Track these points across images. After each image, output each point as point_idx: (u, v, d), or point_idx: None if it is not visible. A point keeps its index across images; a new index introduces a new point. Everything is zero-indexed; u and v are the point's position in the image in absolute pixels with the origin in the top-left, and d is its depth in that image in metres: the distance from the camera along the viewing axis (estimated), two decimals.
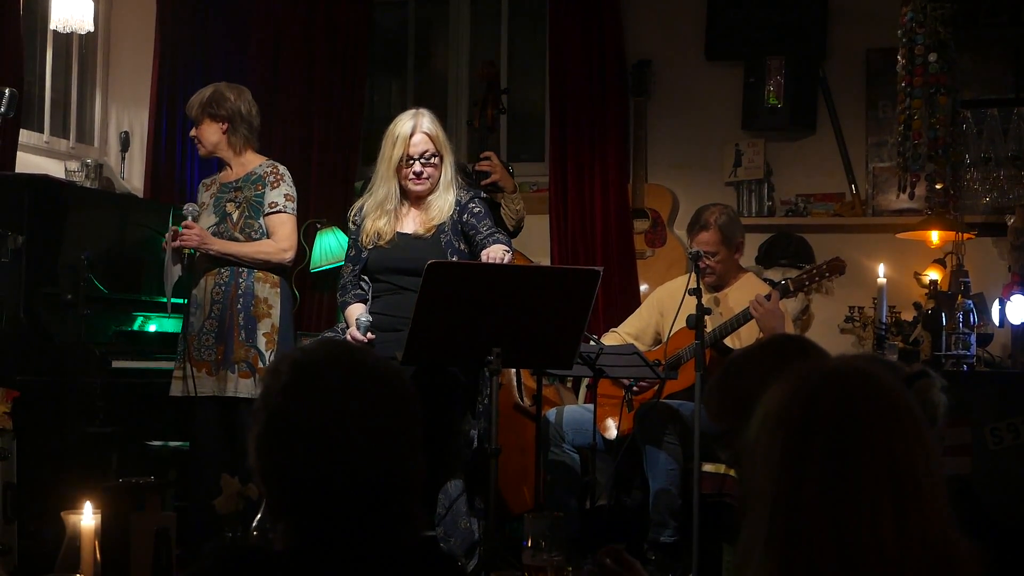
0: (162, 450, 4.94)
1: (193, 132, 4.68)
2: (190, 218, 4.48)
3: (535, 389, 4.58)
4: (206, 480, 4.11)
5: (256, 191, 4.58)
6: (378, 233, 4.22)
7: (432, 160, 4.19)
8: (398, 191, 4.24)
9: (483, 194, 4.45)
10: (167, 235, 4.50)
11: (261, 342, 4.50)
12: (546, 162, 6.29)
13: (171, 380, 4.58)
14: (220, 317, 4.51)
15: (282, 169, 4.66)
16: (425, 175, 4.19)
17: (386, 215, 4.22)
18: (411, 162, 4.17)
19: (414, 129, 4.17)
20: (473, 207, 4.25)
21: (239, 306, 4.51)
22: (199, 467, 4.50)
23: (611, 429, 4.94)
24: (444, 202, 4.22)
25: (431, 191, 4.23)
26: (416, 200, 4.26)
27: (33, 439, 4.57)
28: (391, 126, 4.24)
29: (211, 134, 4.63)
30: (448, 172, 4.24)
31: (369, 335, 4.07)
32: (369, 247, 4.25)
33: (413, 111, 4.26)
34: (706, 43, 6.09)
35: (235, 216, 4.57)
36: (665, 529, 4.69)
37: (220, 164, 4.76)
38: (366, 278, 4.30)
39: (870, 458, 1.33)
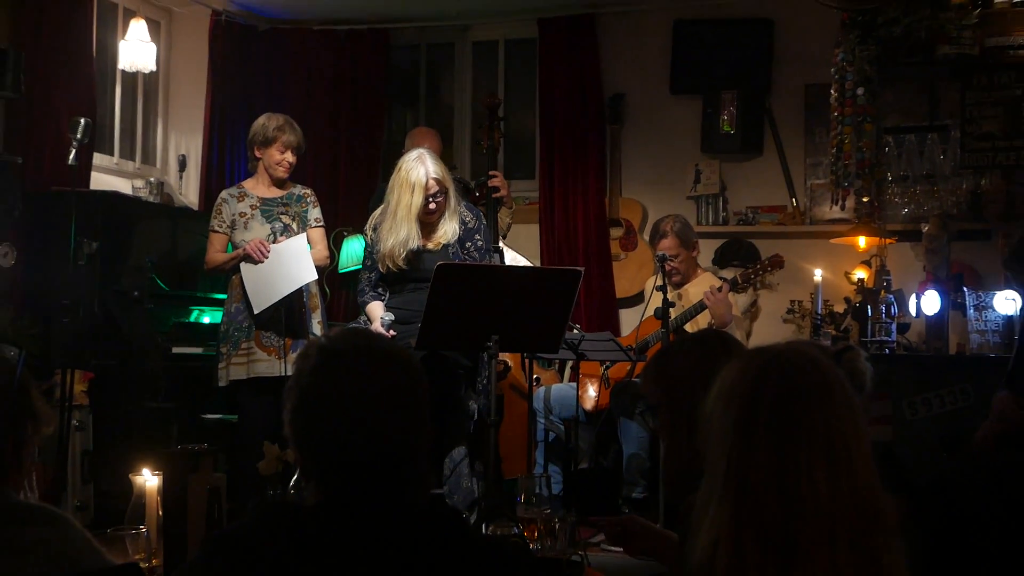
0: (214, 422, 4.93)
1: (293, 160, 4.62)
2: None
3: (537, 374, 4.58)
4: (254, 447, 4.07)
5: (302, 208, 4.65)
6: (395, 252, 4.14)
7: (439, 197, 4.13)
8: (419, 230, 4.15)
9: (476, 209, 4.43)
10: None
11: (317, 329, 4.58)
12: (536, 179, 6.28)
13: (230, 366, 4.48)
14: (288, 309, 4.48)
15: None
16: (435, 205, 4.13)
17: (403, 246, 4.14)
18: (428, 200, 4.11)
19: (427, 176, 4.08)
20: (478, 239, 4.25)
21: (303, 300, 4.54)
22: (245, 436, 4.46)
23: (590, 399, 4.96)
24: (450, 226, 4.20)
25: (440, 215, 4.19)
26: (426, 226, 4.20)
27: (105, 413, 4.57)
28: (403, 172, 4.10)
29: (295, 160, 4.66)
30: (452, 201, 4.19)
31: (392, 332, 4.05)
32: (384, 270, 4.21)
33: (416, 154, 4.14)
34: (671, 79, 6.08)
35: (294, 227, 4.60)
36: (636, 487, 4.71)
37: (244, 179, 4.78)
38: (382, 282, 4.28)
39: (808, 425, 1.32)
